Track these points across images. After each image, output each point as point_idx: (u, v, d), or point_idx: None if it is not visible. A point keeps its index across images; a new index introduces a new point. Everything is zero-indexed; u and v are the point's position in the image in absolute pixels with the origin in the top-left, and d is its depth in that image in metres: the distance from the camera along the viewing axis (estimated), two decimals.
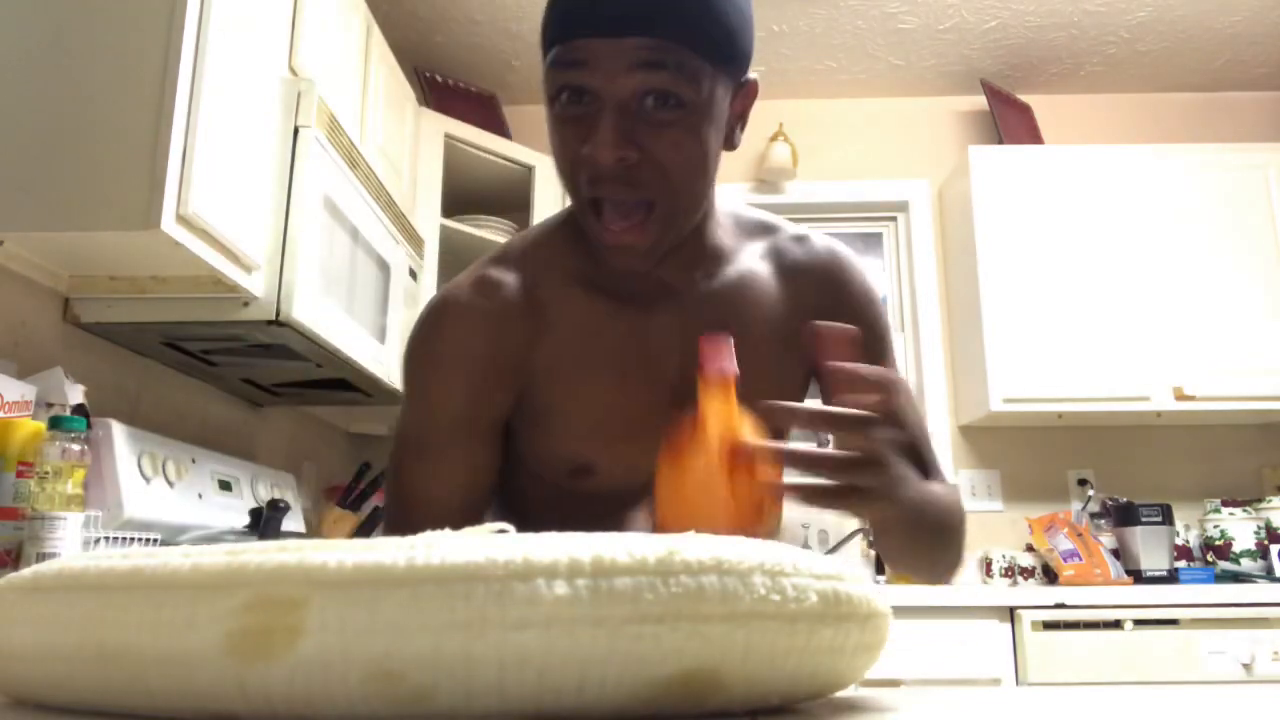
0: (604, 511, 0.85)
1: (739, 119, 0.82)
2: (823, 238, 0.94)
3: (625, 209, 0.74)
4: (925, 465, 0.83)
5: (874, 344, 0.89)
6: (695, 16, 0.71)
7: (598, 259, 0.83)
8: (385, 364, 2.22)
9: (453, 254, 2.84)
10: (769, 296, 0.88)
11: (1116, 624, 2.27)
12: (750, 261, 0.89)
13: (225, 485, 1.96)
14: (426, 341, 0.85)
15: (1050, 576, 2.74)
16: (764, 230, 0.92)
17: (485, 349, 0.82)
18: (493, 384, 0.83)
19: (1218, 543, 2.78)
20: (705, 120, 0.74)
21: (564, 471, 0.85)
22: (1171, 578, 2.61)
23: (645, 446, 0.72)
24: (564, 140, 0.75)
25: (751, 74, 0.81)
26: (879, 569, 2.88)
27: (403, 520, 0.84)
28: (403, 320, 2.37)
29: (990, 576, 2.77)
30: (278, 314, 1.68)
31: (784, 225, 0.95)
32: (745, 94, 0.81)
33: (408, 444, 0.85)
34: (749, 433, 0.65)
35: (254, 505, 1.99)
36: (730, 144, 0.82)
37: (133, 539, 1.52)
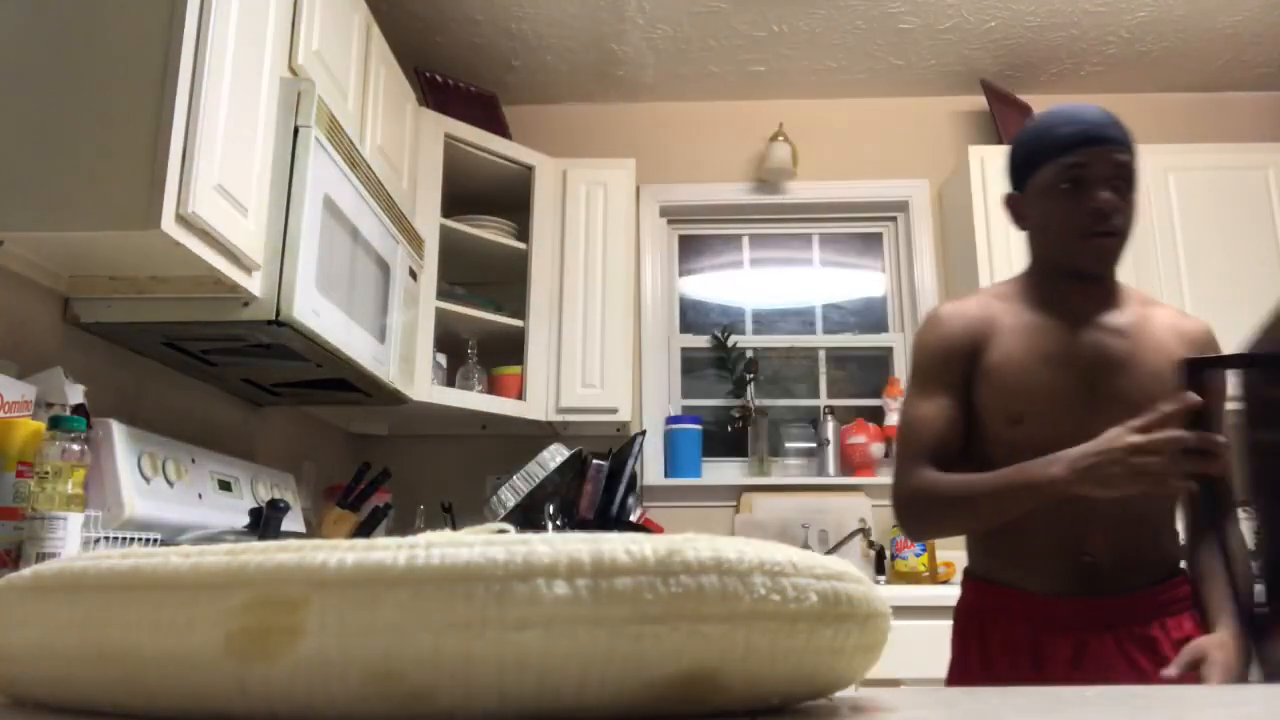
0: (1029, 454, 1.18)
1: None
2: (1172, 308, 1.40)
3: (1112, 232, 1.26)
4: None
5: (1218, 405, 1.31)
6: (1128, 133, 1.29)
7: (1044, 282, 1.34)
8: (385, 364, 2.22)
9: (453, 254, 2.85)
10: (1153, 334, 1.29)
11: None
12: (1141, 309, 1.33)
13: (225, 485, 1.96)
14: (919, 333, 1.37)
15: None
16: (1146, 299, 1.38)
17: (953, 335, 1.32)
18: (958, 355, 1.31)
19: None
20: (1139, 187, 1.30)
21: (1002, 420, 1.26)
22: None
23: (1063, 407, 1.24)
24: (1069, 207, 1.26)
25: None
26: (879, 569, 2.88)
27: (908, 435, 1.31)
28: (402, 320, 2.37)
29: None
30: (278, 314, 1.68)
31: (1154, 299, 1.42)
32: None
33: (912, 391, 1.34)
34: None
35: (254, 505, 1.99)
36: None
37: (133, 539, 1.52)
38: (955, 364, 1.31)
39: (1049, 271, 1.33)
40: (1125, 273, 2.82)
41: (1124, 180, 1.26)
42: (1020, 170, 1.32)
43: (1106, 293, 1.32)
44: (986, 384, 1.28)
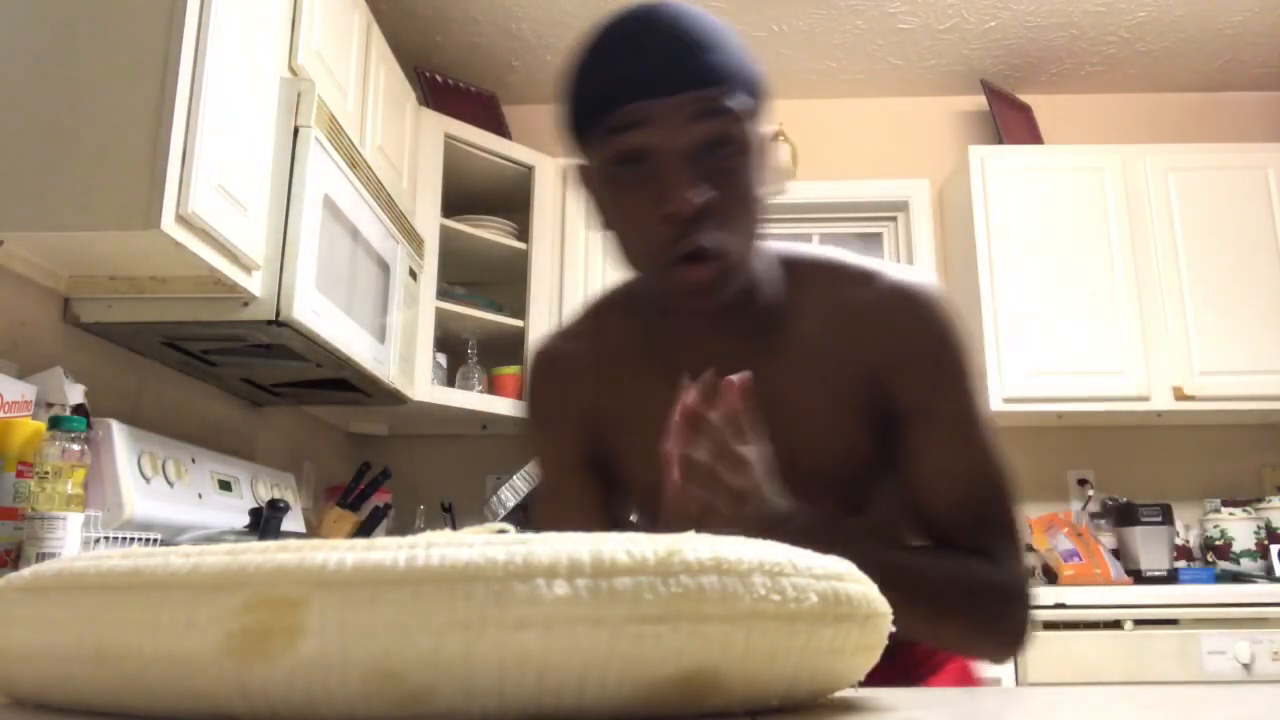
0: None
1: (767, 159, 0.82)
2: (894, 275, 0.85)
3: (703, 255, 0.75)
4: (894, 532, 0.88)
5: (944, 395, 0.82)
6: (734, 62, 0.75)
7: (659, 316, 0.88)
8: (385, 364, 2.22)
9: (453, 254, 2.84)
10: (827, 356, 0.83)
11: (1116, 624, 2.27)
12: (807, 315, 0.85)
13: (225, 485, 1.96)
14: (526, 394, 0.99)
15: (1050, 576, 2.74)
16: (823, 273, 0.86)
17: (563, 400, 0.94)
18: (573, 432, 0.93)
19: (1218, 543, 2.78)
20: (758, 156, 0.77)
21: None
22: (1171, 578, 2.61)
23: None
24: (631, 207, 0.76)
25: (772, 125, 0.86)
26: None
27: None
28: (402, 320, 2.37)
29: None
30: (278, 314, 1.68)
31: (847, 263, 0.87)
32: (770, 138, 0.82)
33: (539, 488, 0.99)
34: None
35: (254, 505, 1.99)
36: (772, 189, 0.81)
37: (133, 539, 1.52)
38: (571, 444, 0.93)
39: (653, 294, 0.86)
40: (1124, 272, 2.83)
41: (725, 146, 0.73)
42: (574, 133, 0.79)
43: (741, 305, 0.83)
44: (615, 471, 0.93)
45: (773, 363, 0.84)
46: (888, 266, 0.86)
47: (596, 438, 0.92)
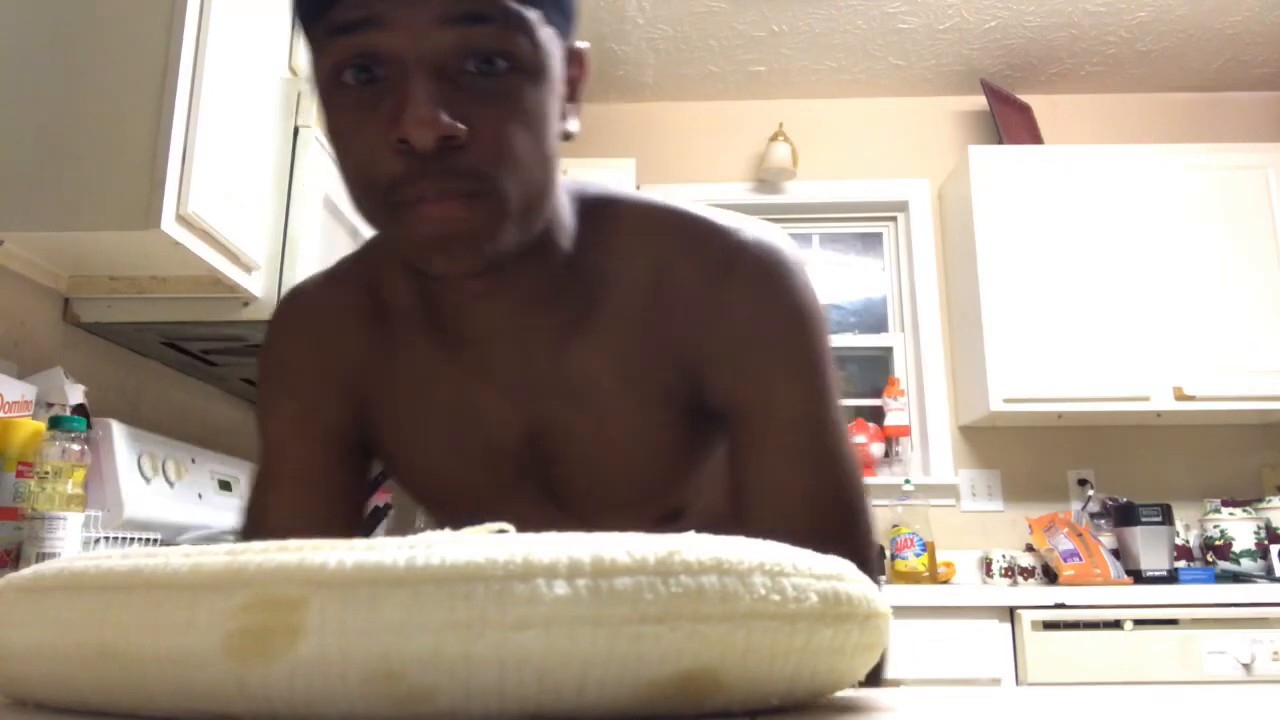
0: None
1: (572, 96, 0.64)
2: (737, 235, 0.68)
3: (446, 194, 0.55)
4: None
5: (786, 393, 0.66)
6: None
7: (423, 284, 0.67)
8: None
9: None
10: (647, 337, 0.67)
11: (1116, 624, 2.27)
12: (625, 282, 0.67)
13: (225, 485, 1.96)
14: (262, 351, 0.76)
15: (1050, 576, 2.74)
16: (650, 227, 0.69)
17: (318, 360, 0.74)
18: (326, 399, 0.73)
19: (1218, 543, 2.78)
20: (544, 85, 0.58)
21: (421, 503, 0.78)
22: (1171, 578, 2.61)
23: (487, 510, 0.58)
24: (354, 130, 0.56)
25: (581, 43, 0.65)
26: (879, 569, 2.88)
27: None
28: None
29: (990, 576, 2.77)
30: None
31: (682, 214, 0.70)
32: (577, 63, 0.64)
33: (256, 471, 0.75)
34: None
35: None
36: (565, 130, 0.63)
37: (133, 539, 1.52)
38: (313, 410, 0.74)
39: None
40: (1124, 272, 2.83)
41: (495, 62, 0.55)
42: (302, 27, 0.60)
43: (529, 270, 0.65)
44: (383, 459, 0.76)
45: (576, 343, 0.66)
46: (733, 221, 0.69)
47: (358, 406, 0.73)
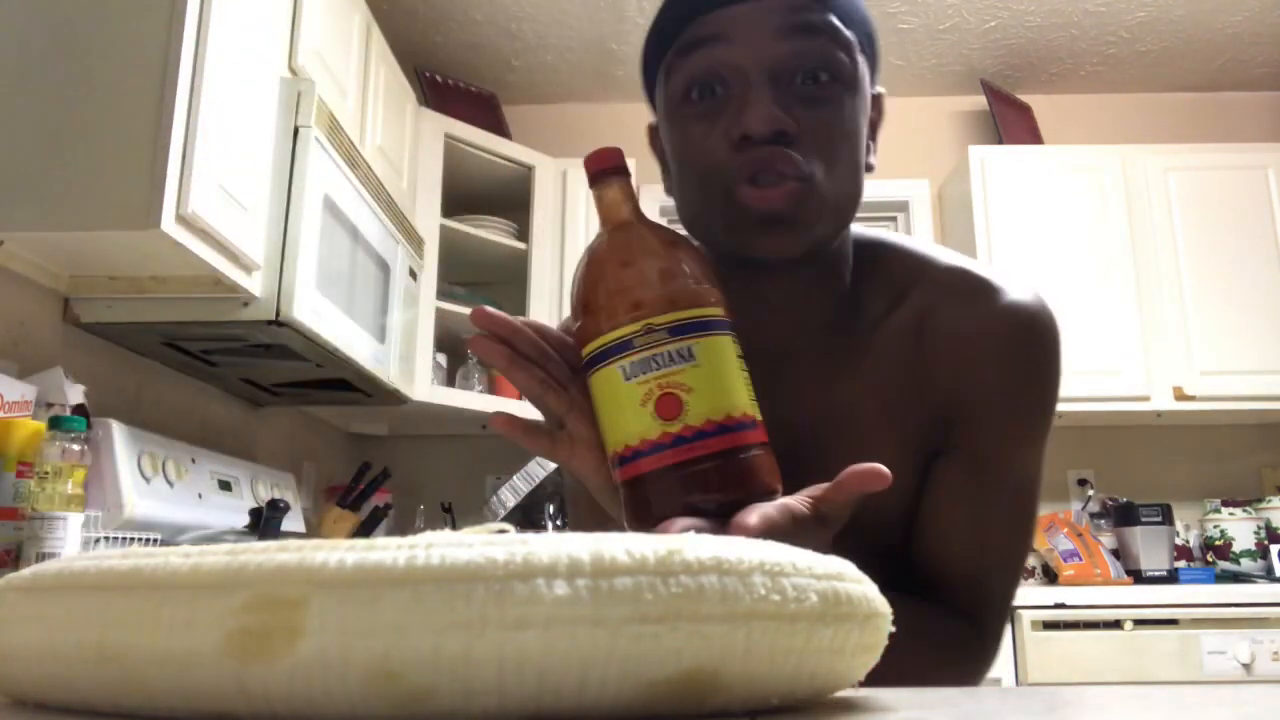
0: None
1: (873, 134, 0.69)
2: (1006, 295, 0.68)
3: (779, 177, 0.60)
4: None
5: (1011, 448, 0.69)
6: None
7: (728, 276, 0.64)
8: (385, 364, 2.22)
9: (453, 254, 2.84)
10: (904, 382, 0.68)
11: (1116, 624, 2.27)
12: (888, 324, 0.69)
13: (225, 485, 1.96)
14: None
15: (1050, 576, 2.74)
16: (915, 274, 0.71)
17: None
18: None
19: (1218, 543, 2.78)
20: (860, 101, 0.64)
21: None
22: (1171, 578, 2.61)
23: None
24: (701, 138, 0.63)
25: (879, 88, 0.70)
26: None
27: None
28: (402, 320, 2.37)
29: None
30: (278, 314, 1.68)
31: (948, 265, 0.71)
32: (877, 106, 0.70)
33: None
34: None
35: (254, 505, 1.99)
36: (868, 161, 0.67)
37: (133, 539, 1.52)
38: None
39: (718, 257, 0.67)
40: (1124, 272, 2.83)
41: (821, 73, 0.61)
42: (649, 82, 0.70)
43: (820, 288, 0.69)
44: None
45: (844, 375, 0.68)
46: (995, 277, 0.70)
47: None
